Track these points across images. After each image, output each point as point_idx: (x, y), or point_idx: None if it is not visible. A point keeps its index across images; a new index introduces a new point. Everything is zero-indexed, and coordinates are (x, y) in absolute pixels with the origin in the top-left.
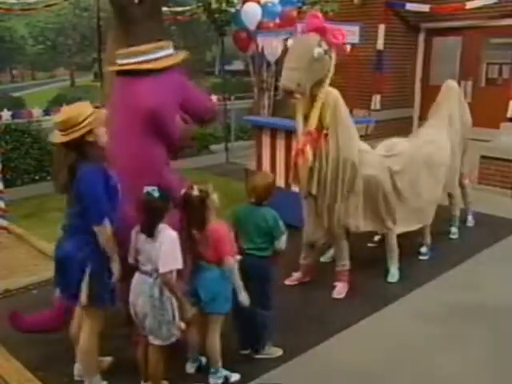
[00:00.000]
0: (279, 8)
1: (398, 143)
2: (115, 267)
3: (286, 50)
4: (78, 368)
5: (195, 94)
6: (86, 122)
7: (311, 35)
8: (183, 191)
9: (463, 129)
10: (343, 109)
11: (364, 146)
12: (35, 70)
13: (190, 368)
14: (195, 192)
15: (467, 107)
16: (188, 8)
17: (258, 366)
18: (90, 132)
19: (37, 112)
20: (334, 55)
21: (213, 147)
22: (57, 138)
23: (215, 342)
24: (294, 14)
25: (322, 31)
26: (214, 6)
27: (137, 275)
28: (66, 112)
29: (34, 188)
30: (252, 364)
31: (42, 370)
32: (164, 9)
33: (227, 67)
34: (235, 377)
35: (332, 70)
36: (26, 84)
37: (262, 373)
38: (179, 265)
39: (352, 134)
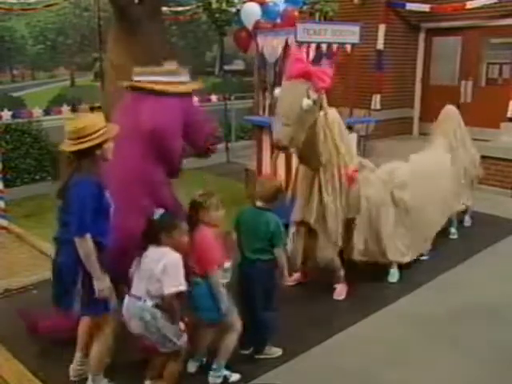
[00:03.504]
0: (280, 8)
1: (398, 169)
2: (96, 282)
3: (284, 52)
4: (74, 368)
5: (199, 124)
6: (98, 134)
7: (298, 83)
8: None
9: (465, 158)
10: (342, 129)
11: (367, 163)
12: (35, 70)
13: (192, 367)
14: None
15: (467, 134)
16: (188, 8)
17: (257, 366)
18: (99, 145)
19: (37, 112)
20: (323, 97)
21: None
22: (67, 146)
23: (232, 341)
24: (295, 13)
25: (307, 76)
26: (215, 5)
27: (127, 299)
28: (81, 121)
29: (34, 188)
30: (252, 364)
31: (42, 370)
32: (164, 9)
33: (227, 67)
34: (235, 377)
35: (325, 106)
36: (26, 84)
37: (262, 373)
38: (183, 287)
39: (352, 155)
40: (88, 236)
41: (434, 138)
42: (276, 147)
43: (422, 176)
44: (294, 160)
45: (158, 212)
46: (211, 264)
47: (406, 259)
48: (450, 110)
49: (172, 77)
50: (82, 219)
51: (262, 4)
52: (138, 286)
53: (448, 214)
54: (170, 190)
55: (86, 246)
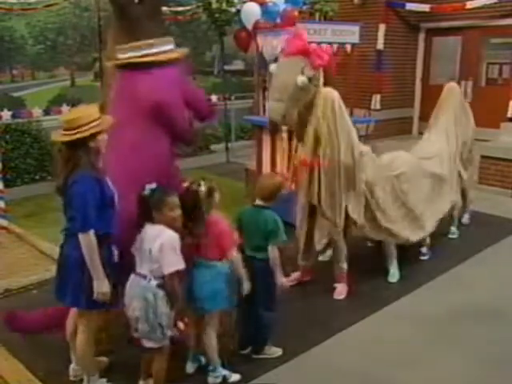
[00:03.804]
0: (280, 8)
1: (399, 157)
2: (96, 282)
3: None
4: (73, 368)
5: (195, 90)
6: (92, 124)
7: (294, 60)
8: (187, 185)
9: (466, 133)
10: (343, 109)
11: (364, 148)
12: (35, 70)
13: (190, 368)
14: (202, 188)
15: (470, 110)
16: (188, 8)
17: (257, 366)
18: (93, 136)
19: (37, 112)
20: (320, 74)
21: (213, 147)
22: (60, 136)
23: (212, 339)
24: (295, 13)
25: (305, 53)
26: (215, 5)
27: (132, 277)
28: (74, 112)
29: (34, 188)
30: (252, 364)
31: (42, 370)
32: (164, 8)
33: (227, 67)
34: (235, 377)
35: (321, 85)
36: (26, 84)
37: (261, 373)
38: (182, 265)
39: (352, 136)
40: (91, 232)
41: (437, 116)
42: (270, 123)
43: (421, 167)
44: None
45: (149, 187)
46: (230, 246)
47: (412, 237)
48: (452, 87)
49: (156, 47)
50: (85, 216)
51: (261, 4)
52: (141, 265)
53: (450, 197)
54: (175, 163)
55: (89, 242)
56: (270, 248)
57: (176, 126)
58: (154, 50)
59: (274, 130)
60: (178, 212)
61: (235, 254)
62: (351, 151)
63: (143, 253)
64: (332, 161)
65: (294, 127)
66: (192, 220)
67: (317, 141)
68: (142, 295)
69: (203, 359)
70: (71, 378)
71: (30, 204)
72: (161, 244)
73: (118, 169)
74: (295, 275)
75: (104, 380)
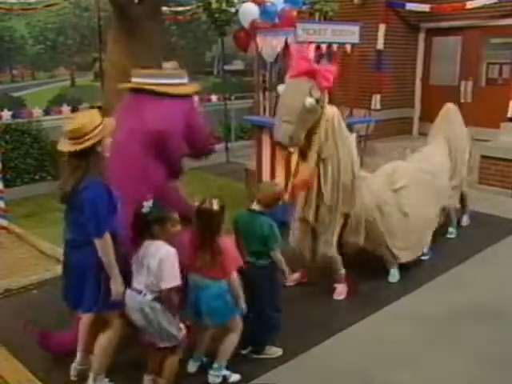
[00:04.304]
0: (278, 8)
1: (399, 168)
2: (113, 284)
3: (283, 52)
4: (75, 368)
5: (200, 127)
6: (97, 130)
7: (301, 82)
8: (199, 204)
9: (462, 152)
10: (343, 127)
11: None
12: (35, 70)
13: (192, 367)
14: (215, 207)
15: (466, 130)
16: (188, 8)
17: (257, 366)
18: (99, 142)
19: (37, 112)
20: (325, 96)
21: None
22: (67, 146)
23: (232, 344)
24: (294, 13)
25: (312, 75)
26: (215, 5)
27: (128, 291)
28: (78, 120)
29: (34, 188)
30: (252, 364)
31: (42, 370)
32: (164, 8)
33: (227, 67)
34: (235, 377)
35: (325, 106)
36: (26, 84)
37: (261, 373)
38: (178, 281)
39: (352, 154)
40: (107, 236)
41: (433, 136)
42: (276, 145)
43: (420, 178)
44: (294, 161)
45: (147, 204)
46: (232, 267)
47: (404, 257)
48: (450, 108)
49: (172, 79)
50: (99, 221)
51: (259, 4)
52: (137, 280)
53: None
54: (175, 191)
55: (105, 245)
56: (272, 254)
57: (171, 157)
58: (170, 81)
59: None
60: (178, 228)
61: (235, 276)
62: (351, 168)
63: (141, 268)
64: (332, 179)
65: (299, 149)
66: (207, 237)
67: (319, 159)
68: (138, 309)
69: (204, 359)
70: (72, 378)
71: (30, 204)
72: (160, 259)
73: (116, 184)
74: (295, 276)
75: (106, 380)
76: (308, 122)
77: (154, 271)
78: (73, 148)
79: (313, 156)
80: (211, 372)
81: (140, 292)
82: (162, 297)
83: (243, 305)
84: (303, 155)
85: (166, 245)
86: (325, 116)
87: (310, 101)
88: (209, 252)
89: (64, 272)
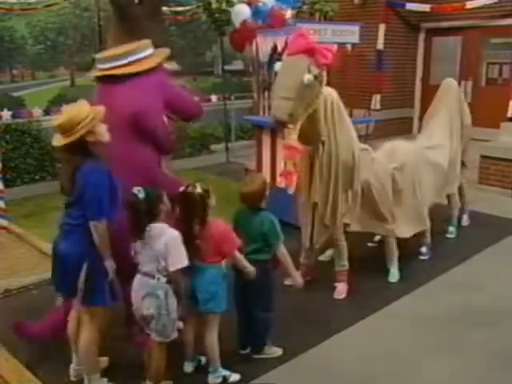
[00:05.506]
0: (268, 8)
1: (399, 147)
2: (109, 266)
3: (273, 52)
4: (73, 368)
5: (179, 93)
6: (85, 122)
7: (300, 59)
8: (183, 189)
9: (463, 128)
10: (342, 111)
11: (364, 147)
12: (35, 70)
13: (188, 367)
14: (198, 190)
15: (467, 106)
16: (188, 8)
17: (257, 366)
18: (90, 132)
19: (37, 112)
20: (324, 74)
21: (213, 147)
22: (58, 140)
23: (213, 341)
24: (284, 13)
25: (310, 52)
26: (214, 5)
27: (138, 277)
28: (65, 114)
29: (34, 188)
30: (252, 364)
31: (42, 369)
32: (164, 9)
33: (227, 67)
34: (235, 377)
35: (323, 86)
36: (25, 84)
37: (261, 373)
38: (186, 262)
39: (352, 136)
40: (104, 221)
41: (435, 111)
42: (275, 122)
43: (422, 158)
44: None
45: (137, 189)
46: (232, 249)
47: (404, 233)
48: (450, 82)
49: (132, 55)
50: (99, 205)
51: (250, 4)
52: (147, 264)
53: (448, 190)
54: (163, 171)
55: (101, 231)
56: (276, 250)
57: (154, 135)
58: (132, 58)
59: (278, 129)
60: (168, 206)
61: (239, 256)
62: (352, 151)
63: (148, 252)
64: (333, 160)
65: (299, 131)
66: (193, 222)
67: (318, 140)
68: (153, 294)
69: (203, 359)
70: (72, 378)
71: (30, 204)
72: (166, 243)
73: None
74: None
75: (105, 380)
76: (307, 98)
77: (162, 254)
78: (65, 141)
79: (313, 138)
80: (210, 374)
81: (153, 276)
82: (169, 279)
83: (252, 270)
84: (306, 142)
85: (169, 227)
86: (322, 96)
87: (308, 77)
88: (196, 237)
89: (53, 261)
